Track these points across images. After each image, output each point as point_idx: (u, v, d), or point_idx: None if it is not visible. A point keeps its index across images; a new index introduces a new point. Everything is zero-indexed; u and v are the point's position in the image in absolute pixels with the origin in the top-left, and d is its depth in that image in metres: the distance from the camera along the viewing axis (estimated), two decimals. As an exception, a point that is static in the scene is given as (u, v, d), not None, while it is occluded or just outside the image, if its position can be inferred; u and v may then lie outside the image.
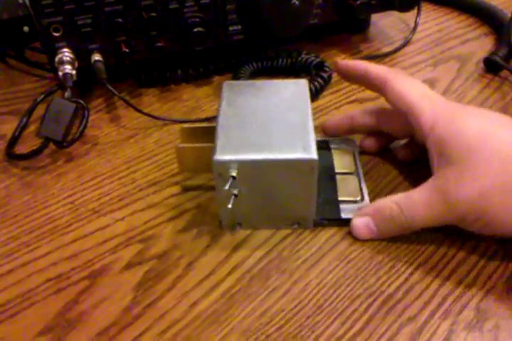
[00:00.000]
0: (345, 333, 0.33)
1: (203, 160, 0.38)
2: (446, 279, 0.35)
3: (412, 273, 0.36)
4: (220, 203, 0.37)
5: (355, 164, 0.43)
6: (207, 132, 0.39)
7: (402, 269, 0.36)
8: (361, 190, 0.41)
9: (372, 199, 0.40)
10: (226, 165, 0.35)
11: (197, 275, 0.36)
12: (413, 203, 0.36)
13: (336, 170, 0.42)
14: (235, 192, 0.36)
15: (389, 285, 0.35)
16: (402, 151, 0.45)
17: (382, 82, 0.41)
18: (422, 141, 0.38)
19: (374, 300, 0.34)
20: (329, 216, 0.39)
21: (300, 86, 0.41)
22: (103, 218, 0.41)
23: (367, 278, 0.36)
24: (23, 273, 0.37)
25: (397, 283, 0.35)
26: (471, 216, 0.34)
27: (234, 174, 0.35)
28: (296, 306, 0.34)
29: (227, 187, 0.35)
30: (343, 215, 0.39)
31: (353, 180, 0.41)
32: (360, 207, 0.39)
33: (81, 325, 0.33)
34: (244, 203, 0.37)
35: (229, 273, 0.36)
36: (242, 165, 0.35)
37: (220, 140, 0.36)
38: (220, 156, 0.35)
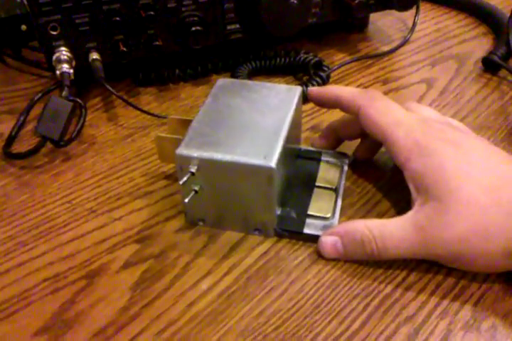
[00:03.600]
0: (342, 333, 0.33)
1: None
2: (443, 279, 0.35)
3: (409, 274, 0.36)
4: (182, 197, 0.37)
5: (339, 180, 0.42)
6: None
7: (400, 269, 0.36)
8: (335, 207, 0.39)
9: (350, 218, 0.40)
10: (187, 160, 0.35)
11: (194, 275, 0.36)
12: (388, 234, 0.35)
13: (317, 183, 0.41)
14: (196, 188, 0.36)
15: (386, 285, 0.35)
16: (358, 151, 0.44)
17: (356, 109, 0.39)
18: (399, 167, 0.37)
19: (371, 300, 0.34)
20: (291, 228, 0.38)
21: (291, 93, 0.40)
22: (101, 217, 0.41)
23: (364, 278, 0.36)
24: (19, 273, 0.37)
25: (395, 283, 0.35)
26: (447, 257, 0.34)
27: (193, 170, 0.35)
28: (293, 306, 0.34)
29: (181, 182, 0.35)
30: (306, 230, 0.38)
31: (329, 196, 0.40)
32: (327, 225, 0.38)
33: (78, 325, 0.33)
34: (206, 200, 0.37)
35: (226, 273, 0.36)
36: (202, 162, 0.35)
37: (189, 134, 0.37)
38: (183, 150, 0.35)
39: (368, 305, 0.34)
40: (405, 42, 0.61)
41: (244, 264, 0.37)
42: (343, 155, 0.44)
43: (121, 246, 0.38)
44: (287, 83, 0.55)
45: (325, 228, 0.38)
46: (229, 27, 0.53)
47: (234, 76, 0.54)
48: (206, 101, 0.40)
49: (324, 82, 0.53)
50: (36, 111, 0.48)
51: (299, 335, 0.33)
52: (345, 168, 0.43)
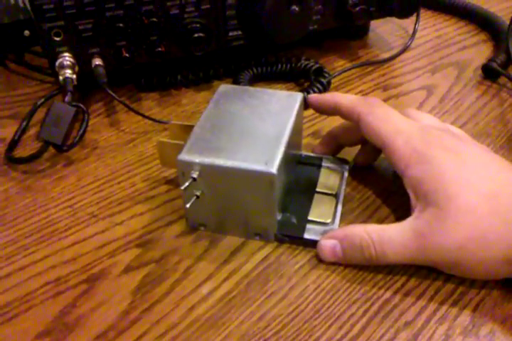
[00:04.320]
0: (342, 337, 0.33)
1: None
2: (442, 285, 0.36)
3: (408, 279, 0.36)
4: (183, 202, 0.37)
5: (340, 186, 0.42)
6: None
7: (399, 275, 0.36)
8: (335, 213, 0.40)
9: (350, 223, 0.40)
10: (189, 165, 0.35)
11: (195, 279, 0.36)
12: (387, 239, 0.35)
13: (317, 189, 0.41)
14: (197, 193, 0.36)
15: (386, 291, 0.35)
16: (358, 157, 0.45)
17: (355, 116, 0.40)
18: (399, 174, 0.38)
19: (371, 305, 0.35)
20: (291, 233, 0.38)
21: (292, 99, 0.40)
22: (102, 222, 0.41)
23: (364, 284, 0.36)
24: (21, 277, 0.37)
25: (394, 288, 0.36)
26: (445, 264, 0.34)
27: (195, 175, 0.35)
28: (293, 311, 0.34)
29: (183, 188, 0.36)
30: (306, 235, 0.38)
31: (330, 202, 0.40)
32: (327, 230, 0.38)
33: (79, 329, 0.34)
34: (207, 206, 0.37)
35: (227, 278, 0.37)
36: (203, 168, 0.35)
37: (190, 140, 0.37)
38: (184, 156, 0.36)
39: (367, 310, 0.34)
40: (405, 49, 0.61)
41: (245, 269, 0.37)
42: (344, 161, 0.44)
43: (123, 250, 0.39)
44: (288, 89, 0.56)
45: (325, 233, 0.38)
46: (231, 33, 0.53)
47: (235, 82, 0.54)
48: (208, 107, 0.40)
49: (325, 88, 0.53)
50: (39, 116, 0.48)
51: (299, 340, 0.33)
52: (346, 173, 0.43)
